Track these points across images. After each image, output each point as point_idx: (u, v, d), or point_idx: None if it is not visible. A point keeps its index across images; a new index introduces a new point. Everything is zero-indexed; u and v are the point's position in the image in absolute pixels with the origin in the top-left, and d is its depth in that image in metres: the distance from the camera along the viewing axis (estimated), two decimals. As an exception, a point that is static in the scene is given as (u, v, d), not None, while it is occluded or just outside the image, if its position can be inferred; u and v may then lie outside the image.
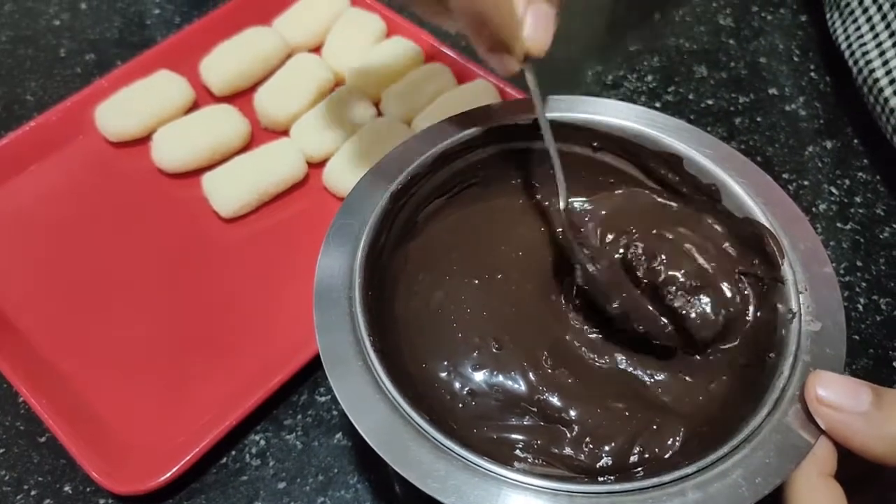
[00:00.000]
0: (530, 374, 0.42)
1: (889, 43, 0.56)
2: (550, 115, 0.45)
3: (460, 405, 0.41)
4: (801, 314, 0.38)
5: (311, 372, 0.51)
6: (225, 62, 0.64)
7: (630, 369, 0.42)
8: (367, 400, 0.36)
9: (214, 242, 0.57)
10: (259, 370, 0.50)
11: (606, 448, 0.39)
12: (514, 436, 0.40)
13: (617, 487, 0.33)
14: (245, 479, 0.47)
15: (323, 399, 0.51)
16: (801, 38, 0.70)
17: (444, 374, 0.42)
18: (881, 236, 0.57)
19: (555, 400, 0.41)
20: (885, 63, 0.56)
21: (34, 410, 0.47)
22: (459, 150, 0.46)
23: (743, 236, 0.43)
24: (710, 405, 0.40)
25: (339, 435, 0.49)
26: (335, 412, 0.50)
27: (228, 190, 0.57)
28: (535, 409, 0.41)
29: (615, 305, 0.41)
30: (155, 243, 0.57)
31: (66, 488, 0.47)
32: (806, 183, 0.60)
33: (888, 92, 0.55)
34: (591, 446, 0.40)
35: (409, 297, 0.45)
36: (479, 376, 0.42)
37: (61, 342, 0.52)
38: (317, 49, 0.67)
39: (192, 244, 0.57)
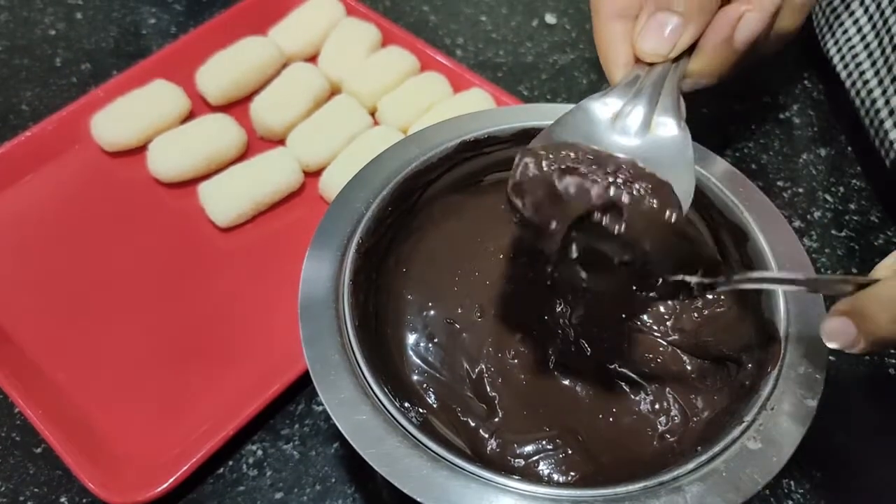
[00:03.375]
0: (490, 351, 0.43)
1: (882, 62, 0.56)
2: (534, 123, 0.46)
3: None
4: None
5: (309, 381, 0.50)
6: (221, 71, 0.64)
7: (580, 394, 0.43)
8: (355, 408, 0.36)
9: (210, 252, 0.57)
10: (256, 380, 0.50)
11: (516, 449, 0.40)
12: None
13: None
14: (242, 490, 0.47)
15: (320, 408, 0.51)
16: (793, 46, 0.70)
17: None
18: (875, 243, 0.57)
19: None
20: (881, 83, 0.56)
21: (30, 421, 0.47)
22: (450, 155, 0.46)
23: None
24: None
25: (336, 444, 0.49)
26: (332, 421, 0.50)
27: (224, 199, 0.57)
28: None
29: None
30: (151, 253, 0.57)
31: (63, 499, 0.47)
32: (800, 190, 0.60)
33: (885, 118, 0.56)
34: (501, 438, 0.41)
35: (399, 300, 0.45)
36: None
37: (57, 352, 0.52)
38: (312, 58, 0.67)
39: (188, 253, 0.57)
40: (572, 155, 0.37)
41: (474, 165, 0.48)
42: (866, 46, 0.58)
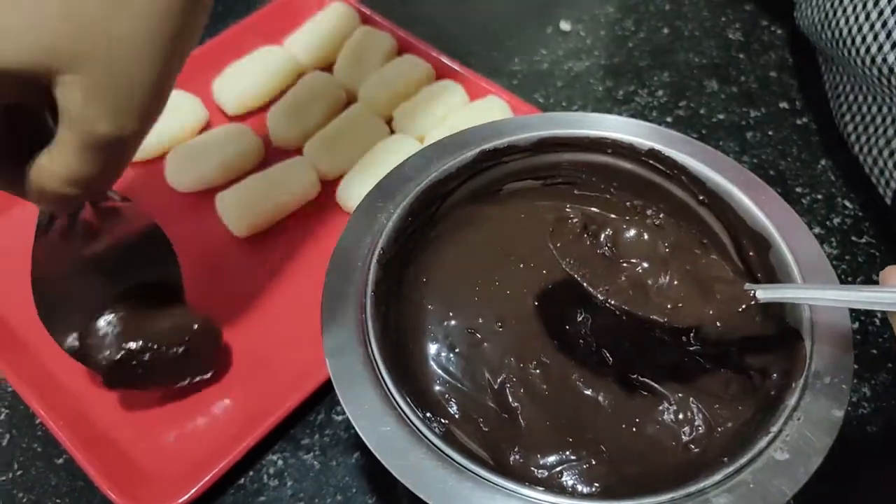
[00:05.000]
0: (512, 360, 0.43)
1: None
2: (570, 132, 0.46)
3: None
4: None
5: (328, 390, 0.51)
6: (237, 82, 0.64)
7: (602, 404, 0.42)
8: (379, 419, 0.36)
9: (229, 261, 0.57)
10: (276, 390, 0.50)
11: (539, 460, 0.40)
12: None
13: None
14: (263, 500, 0.47)
15: (340, 418, 0.51)
16: (810, 51, 0.70)
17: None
18: (896, 249, 0.57)
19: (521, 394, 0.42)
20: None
21: (51, 431, 0.47)
22: (469, 164, 0.46)
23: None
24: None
25: (356, 454, 0.49)
26: (352, 431, 0.50)
27: (242, 209, 0.57)
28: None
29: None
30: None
31: (84, 510, 0.47)
32: (819, 197, 0.60)
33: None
34: (524, 449, 0.40)
35: (419, 310, 0.45)
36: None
37: (76, 363, 0.52)
38: (328, 68, 0.67)
39: (207, 263, 0.57)
40: None
41: (493, 175, 0.48)
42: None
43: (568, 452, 0.40)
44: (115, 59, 0.35)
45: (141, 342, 0.47)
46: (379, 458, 0.34)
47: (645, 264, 0.40)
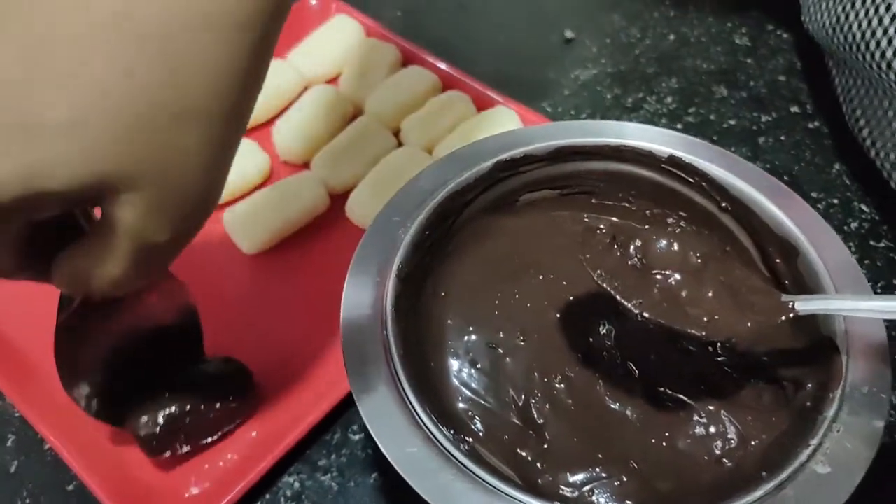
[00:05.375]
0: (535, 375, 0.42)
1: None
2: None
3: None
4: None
5: (344, 409, 0.50)
6: (241, 96, 0.63)
7: (631, 418, 0.41)
8: (406, 439, 0.35)
9: (237, 279, 0.56)
10: (290, 410, 0.49)
11: (569, 478, 0.39)
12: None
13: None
14: (281, 524, 0.46)
15: (357, 437, 0.49)
16: (819, 54, 0.69)
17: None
18: (916, 253, 0.56)
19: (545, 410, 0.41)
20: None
21: (61, 457, 0.46)
22: (486, 175, 0.45)
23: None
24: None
25: (374, 474, 0.48)
26: (370, 450, 0.49)
27: (250, 225, 0.56)
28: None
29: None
30: (176, 282, 0.56)
31: (96, 539, 0.45)
32: (835, 201, 0.59)
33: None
34: (552, 466, 0.39)
35: (439, 325, 0.44)
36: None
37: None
38: (332, 81, 0.67)
39: (215, 282, 0.56)
40: None
41: (509, 185, 0.47)
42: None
43: (598, 469, 0.39)
44: (178, 172, 0.31)
45: (178, 407, 0.46)
46: (408, 480, 0.33)
47: (677, 276, 0.39)
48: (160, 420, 0.45)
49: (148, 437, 0.45)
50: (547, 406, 0.41)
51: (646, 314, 0.38)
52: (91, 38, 0.29)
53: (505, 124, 0.60)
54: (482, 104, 0.63)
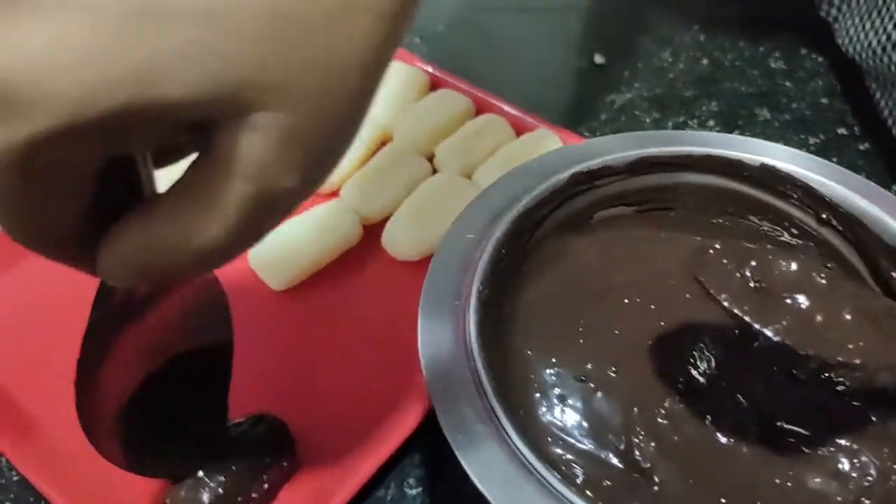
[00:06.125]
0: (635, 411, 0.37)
1: None
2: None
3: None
4: None
5: (397, 462, 0.44)
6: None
7: (748, 456, 0.36)
8: (516, 487, 0.30)
9: (266, 318, 0.50)
10: (336, 466, 0.42)
11: None
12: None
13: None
14: None
15: (414, 492, 0.43)
16: (858, 76, 0.67)
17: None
18: None
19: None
20: None
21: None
22: (562, 188, 0.41)
23: None
24: None
25: (439, 535, 0.42)
26: (430, 507, 0.43)
27: (278, 259, 0.50)
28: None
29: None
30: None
31: None
32: None
33: None
34: None
35: (518, 357, 0.39)
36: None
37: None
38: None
39: (242, 322, 0.49)
40: None
41: (583, 202, 0.42)
42: None
43: (722, 518, 0.34)
44: (327, 89, 0.24)
45: (215, 484, 0.39)
46: None
47: (801, 297, 0.35)
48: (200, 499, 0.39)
49: None
50: (652, 445, 0.36)
51: (787, 341, 0.33)
52: None
53: (548, 148, 0.56)
54: (519, 129, 0.59)
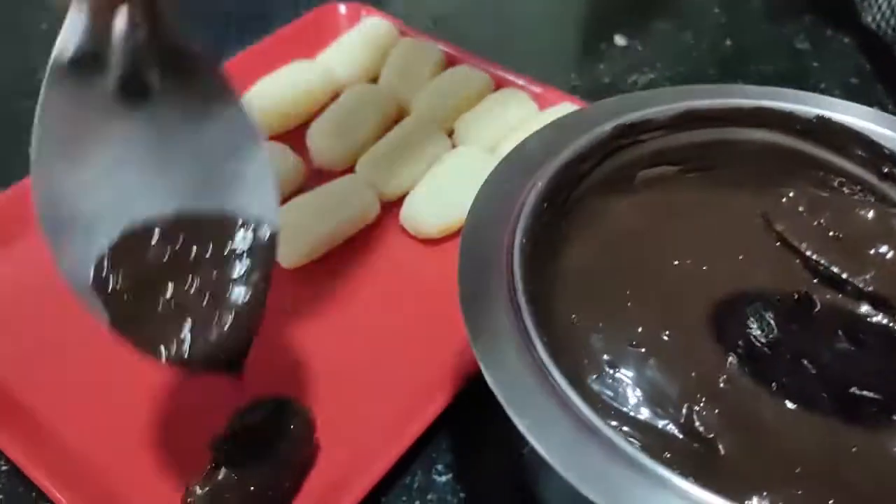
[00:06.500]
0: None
1: None
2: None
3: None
4: None
5: (423, 447, 0.40)
6: (266, 99, 0.55)
7: (822, 424, 0.32)
8: (580, 451, 0.26)
9: (276, 300, 0.46)
10: (357, 451, 0.39)
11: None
12: None
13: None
14: None
15: (443, 479, 0.40)
16: (888, 55, 0.64)
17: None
18: None
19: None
20: None
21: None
22: (603, 142, 0.38)
23: None
24: None
25: (476, 524, 0.38)
26: (462, 494, 0.39)
27: (291, 234, 0.47)
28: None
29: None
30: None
31: None
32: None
33: None
34: (735, 488, 0.30)
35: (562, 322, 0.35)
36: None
37: (100, 442, 0.40)
38: (370, 83, 0.59)
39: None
40: None
41: (624, 159, 0.39)
42: None
43: (799, 489, 0.30)
44: None
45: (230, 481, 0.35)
46: None
47: (885, 248, 0.31)
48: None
49: None
50: (715, 413, 0.33)
51: (881, 292, 0.29)
52: None
53: (574, 121, 0.53)
54: (542, 104, 0.56)
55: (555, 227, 0.37)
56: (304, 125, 0.55)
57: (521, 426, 0.26)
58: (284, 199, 0.50)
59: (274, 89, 0.55)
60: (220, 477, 0.35)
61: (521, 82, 0.58)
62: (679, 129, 0.39)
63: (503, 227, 0.33)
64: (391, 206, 0.51)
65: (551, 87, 0.57)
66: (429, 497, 0.39)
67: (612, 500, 0.25)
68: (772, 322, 0.36)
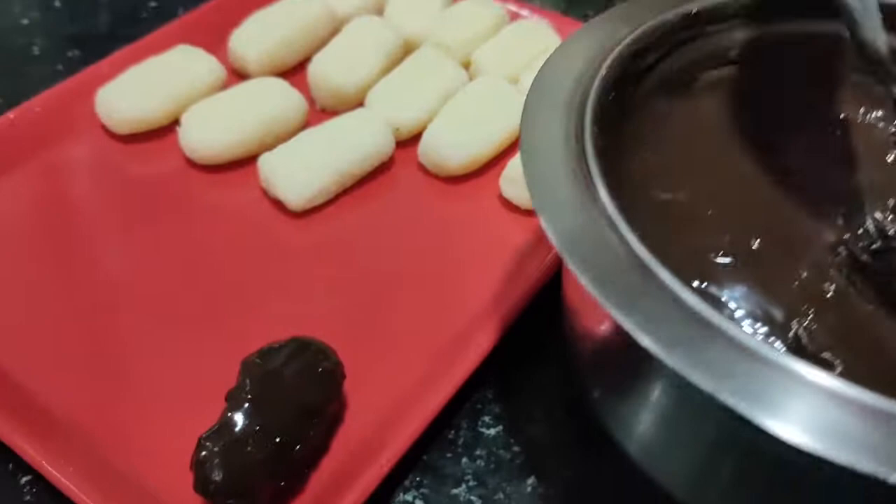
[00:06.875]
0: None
1: None
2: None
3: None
4: None
5: (466, 397, 0.35)
6: (263, 33, 0.49)
7: None
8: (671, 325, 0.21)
9: (282, 248, 0.41)
10: (387, 408, 0.34)
11: None
12: None
13: None
14: (410, 562, 0.30)
15: (492, 431, 0.34)
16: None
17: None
18: None
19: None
20: None
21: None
22: (669, 31, 0.33)
23: None
24: None
25: (531, 480, 0.32)
26: (516, 448, 0.34)
27: (297, 174, 0.42)
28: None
29: None
30: (196, 263, 0.40)
31: None
32: None
33: None
34: None
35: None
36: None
37: (100, 416, 0.34)
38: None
39: (252, 255, 0.40)
40: None
41: (687, 56, 0.34)
42: None
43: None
44: None
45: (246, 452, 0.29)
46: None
47: None
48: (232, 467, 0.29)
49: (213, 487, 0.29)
50: (821, 329, 0.28)
51: None
52: None
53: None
54: (564, 33, 0.51)
55: (617, 129, 0.32)
56: (303, 65, 0.50)
57: (629, 324, 0.21)
58: (286, 138, 0.44)
59: (268, 24, 0.50)
60: (237, 428, 0.29)
61: (535, 16, 0.53)
62: (751, 18, 0.34)
63: (568, 118, 0.28)
64: (406, 145, 0.45)
65: (572, 20, 0.52)
66: (477, 452, 0.33)
67: (752, 402, 0.20)
68: (873, 228, 0.31)
